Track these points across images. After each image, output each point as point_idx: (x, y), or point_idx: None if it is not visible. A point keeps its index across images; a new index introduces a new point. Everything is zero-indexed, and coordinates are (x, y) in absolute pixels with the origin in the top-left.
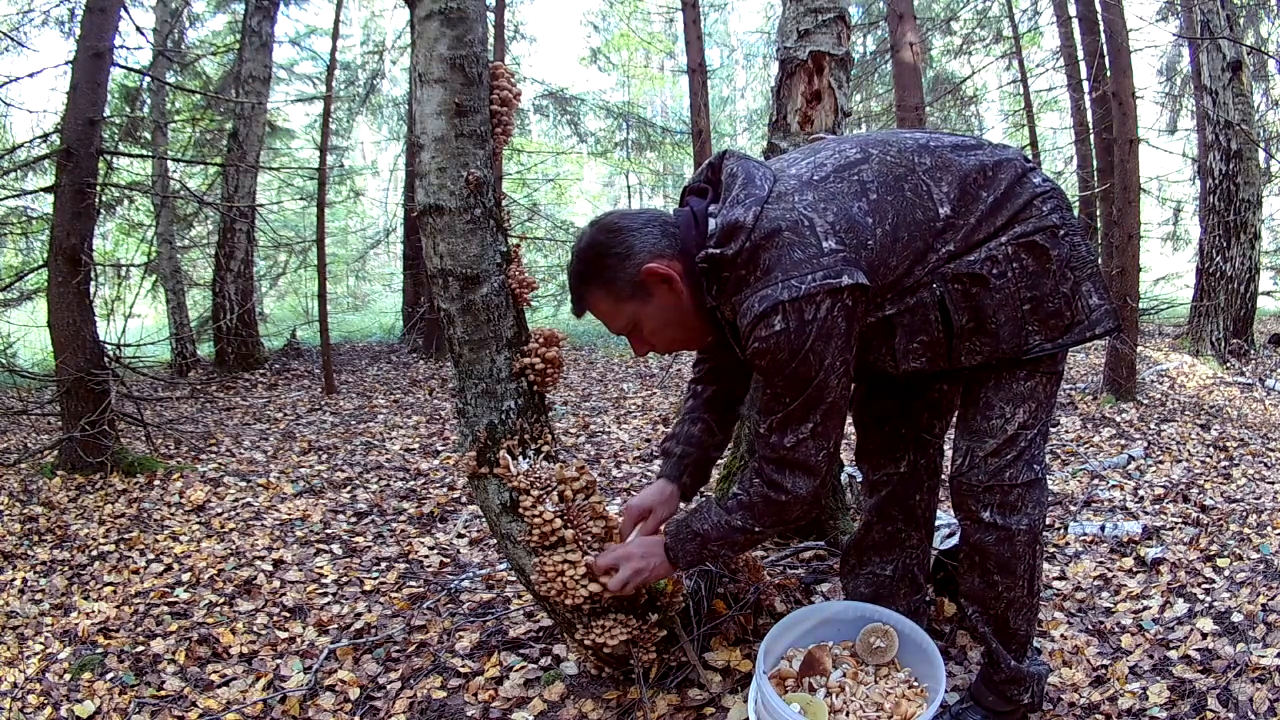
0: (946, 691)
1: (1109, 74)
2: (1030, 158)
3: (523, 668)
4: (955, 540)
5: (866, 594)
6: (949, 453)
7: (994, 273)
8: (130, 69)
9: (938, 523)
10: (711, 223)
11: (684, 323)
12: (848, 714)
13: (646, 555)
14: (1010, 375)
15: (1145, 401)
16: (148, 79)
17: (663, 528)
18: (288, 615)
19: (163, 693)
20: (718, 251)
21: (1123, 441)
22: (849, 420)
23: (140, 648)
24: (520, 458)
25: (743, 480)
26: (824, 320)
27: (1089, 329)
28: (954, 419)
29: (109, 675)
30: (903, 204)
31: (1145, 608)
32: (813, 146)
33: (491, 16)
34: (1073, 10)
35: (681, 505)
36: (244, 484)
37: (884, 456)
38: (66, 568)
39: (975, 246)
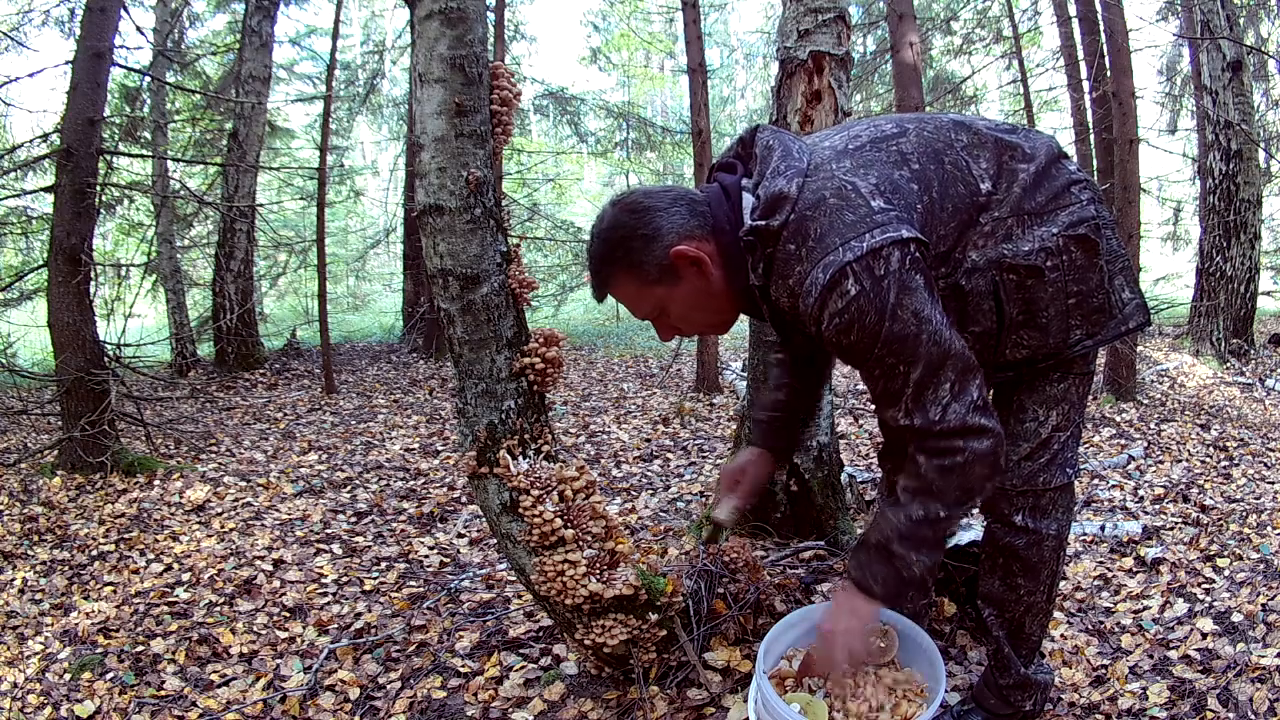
0: (946, 691)
1: (1109, 74)
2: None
3: (523, 668)
4: (954, 540)
5: None
6: None
7: (1048, 264)
8: (130, 69)
9: None
10: (747, 198)
11: (714, 306)
12: (848, 714)
13: (847, 611)
14: (1044, 378)
15: (1145, 401)
16: (148, 79)
17: (836, 587)
18: (288, 615)
19: (163, 693)
20: (764, 224)
21: (1123, 441)
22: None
23: (140, 648)
24: (520, 457)
25: (908, 471)
26: (898, 272)
27: (1123, 323)
28: None
29: (109, 675)
30: (944, 176)
31: (1145, 608)
32: (845, 124)
33: (491, 16)
34: (1073, 10)
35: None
36: (244, 484)
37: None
38: (66, 567)
39: (1023, 226)
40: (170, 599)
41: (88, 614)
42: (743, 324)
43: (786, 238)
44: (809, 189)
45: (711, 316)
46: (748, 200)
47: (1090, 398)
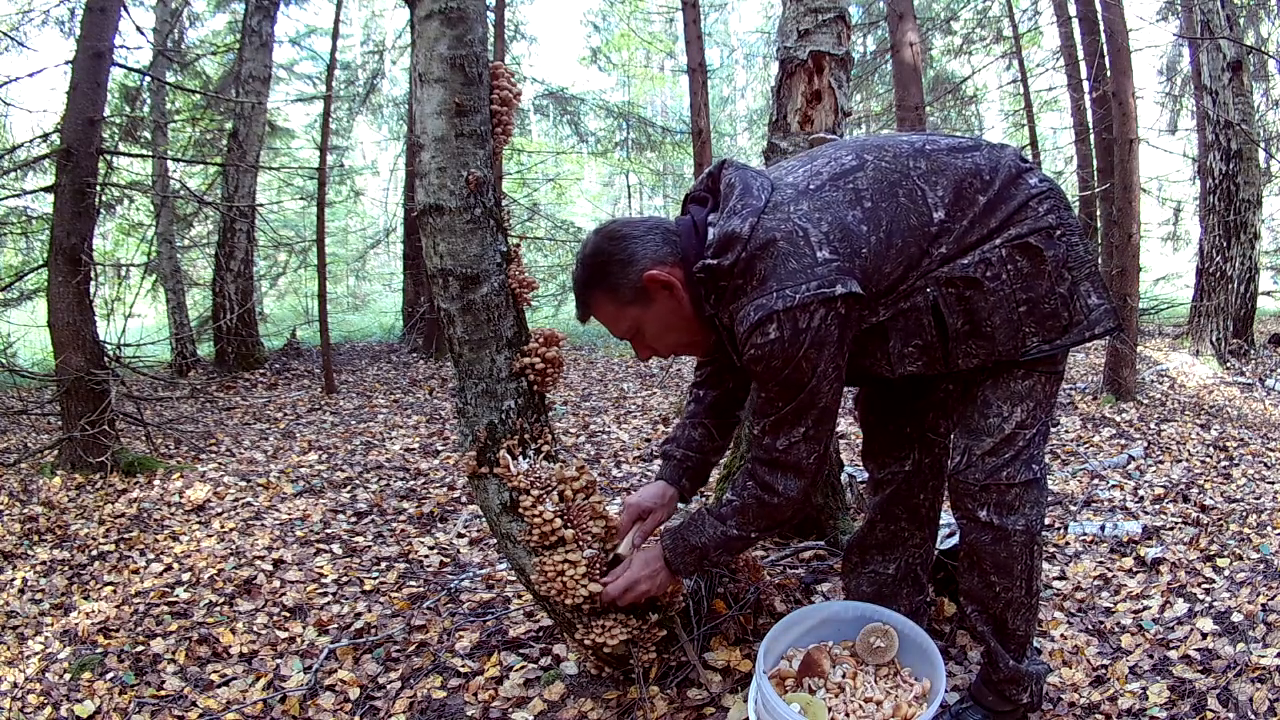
0: (946, 691)
1: (1109, 74)
2: (1028, 158)
3: (523, 668)
4: (956, 540)
5: (869, 593)
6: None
7: (988, 275)
8: (130, 69)
9: (939, 522)
10: (710, 232)
11: (685, 328)
12: (848, 714)
13: (652, 574)
14: (1008, 374)
15: (1145, 401)
16: (148, 79)
17: (659, 537)
18: (288, 615)
19: (163, 693)
20: (714, 262)
21: (1123, 441)
22: (856, 420)
23: (140, 648)
24: (520, 457)
25: (735, 484)
26: (817, 329)
27: (1088, 329)
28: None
29: (109, 675)
30: (897, 210)
31: (1145, 608)
32: (811, 153)
33: (491, 16)
34: (1073, 10)
35: (680, 506)
36: (244, 484)
37: (889, 455)
38: (66, 567)
39: (969, 249)
40: (170, 599)
41: (88, 614)
42: None
43: (735, 274)
44: (762, 227)
45: (683, 337)
46: (711, 234)
47: (1090, 398)
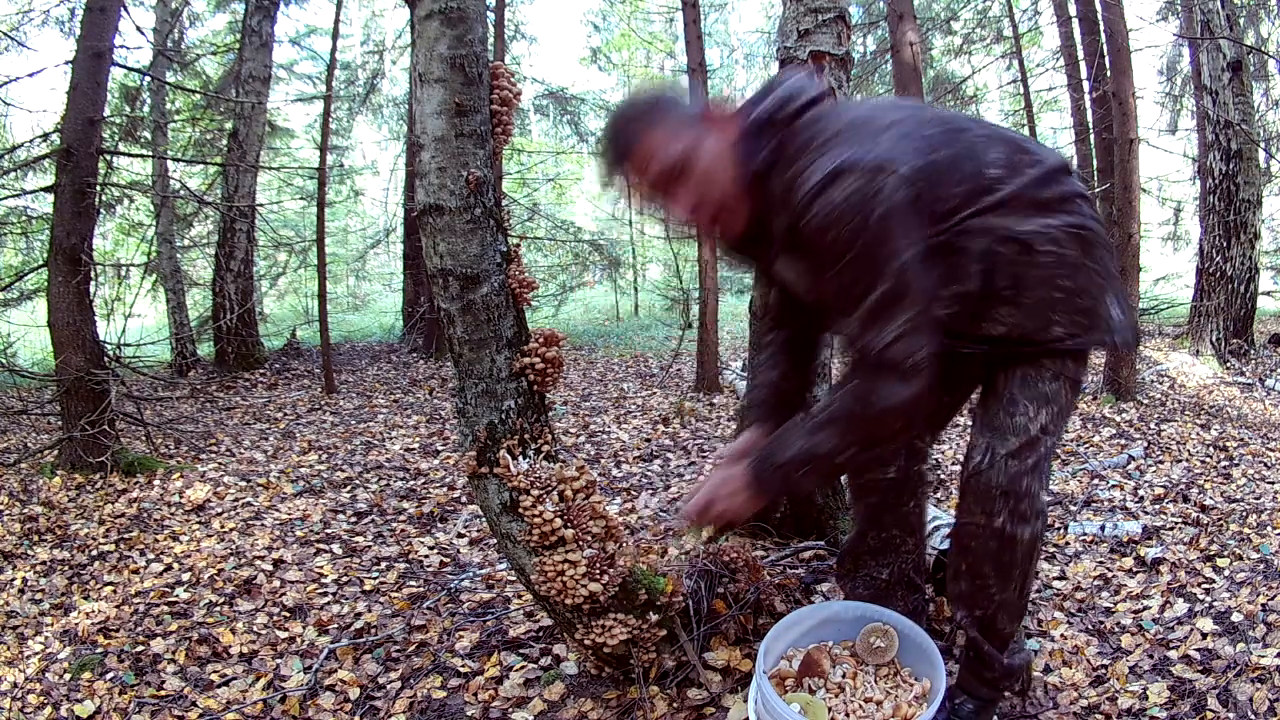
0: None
1: (1109, 74)
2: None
3: (523, 668)
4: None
5: (865, 596)
6: (961, 451)
7: (1043, 249)
8: (130, 69)
9: (938, 522)
10: (771, 95)
11: (727, 179)
12: (848, 714)
13: (731, 492)
14: (1036, 373)
15: (1145, 401)
16: (148, 79)
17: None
18: (288, 615)
19: (163, 693)
20: (780, 109)
21: (1123, 441)
22: None
23: (140, 647)
24: (520, 457)
25: (831, 391)
26: (890, 196)
27: (1109, 334)
28: (944, 430)
29: (109, 675)
30: (958, 149)
31: (1145, 608)
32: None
33: (491, 16)
34: (1073, 10)
35: None
36: (244, 484)
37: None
38: (66, 567)
39: (1025, 214)
40: (170, 599)
41: (88, 614)
42: (742, 323)
43: (801, 126)
44: (833, 100)
45: (721, 193)
46: (774, 95)
47: (1090, 398)
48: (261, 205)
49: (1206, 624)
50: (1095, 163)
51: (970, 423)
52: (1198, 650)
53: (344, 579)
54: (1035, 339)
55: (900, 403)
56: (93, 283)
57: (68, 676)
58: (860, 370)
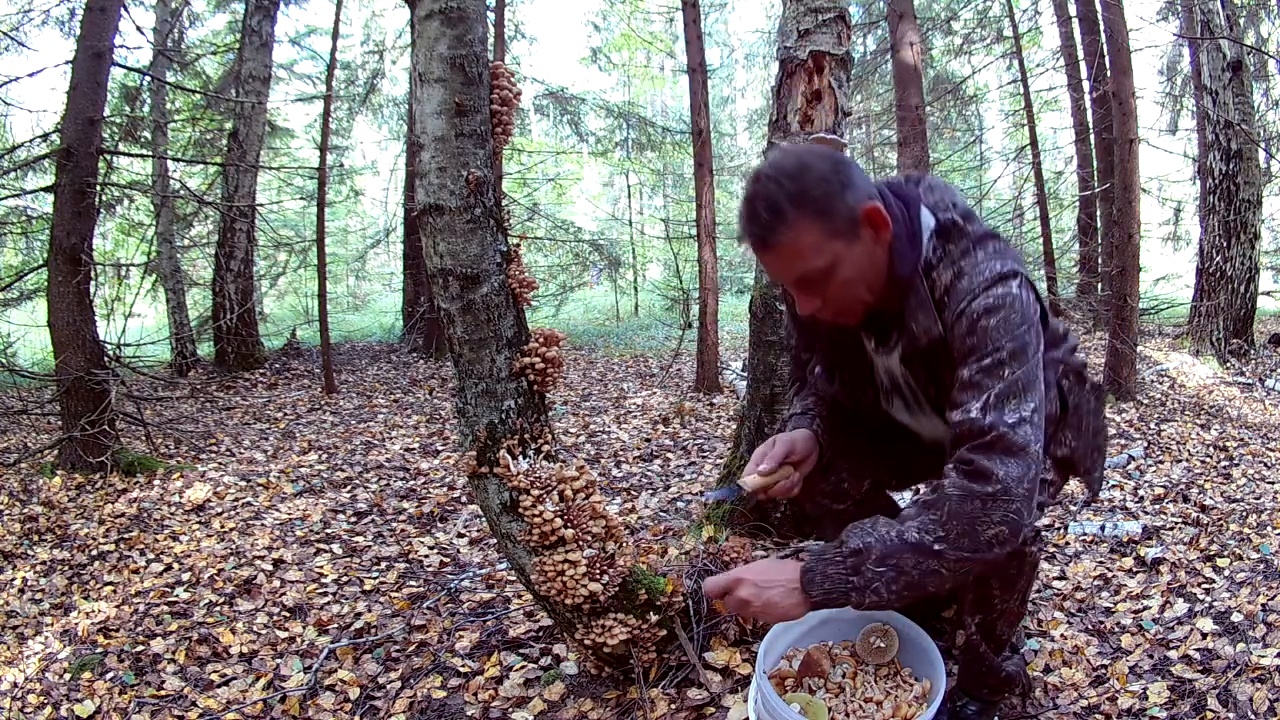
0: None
1: (1109, 74)
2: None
3: (523, 667)
4: None
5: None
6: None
7: (1086, 385)
8: (130, 69)
9: None
10: (925, 210)
11: (875, 280)
12: (848, 714)
13: (766, 582)
14: None
15: (1145, 401)
16: (148, 79)
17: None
18: (288, 615)
19: (163, 692)
20: (958, 220)
21: (1123, 441)
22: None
23: (140, 647)
24: (520, 457)
25: (931, 486)
26: (1029, 305)
27: (1092, 480)
28: (912, 487)
29: (109, 675)
30: None
31: (1145, 608)
32: None
33: (491, 16)
34: (1073, 10)
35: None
36: (244, 484)
37: (836, 489)
38: (66, 567)
39: (1057, 342)
40: (170, 599)
41: (88, 614)
42: (742, 323)
43: (970, 238)
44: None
45: (863, 293)
46: (926, 213)
47: None
48: (261, 205)
49: (1206, 624)
50: (1095, 163)
51: None
52: (1198, 650)
53: (344, 579)
54: (1076, 467)
55: (1017, 486)
56: (93, 282)
57: (68, 676)
58: (974, 452)
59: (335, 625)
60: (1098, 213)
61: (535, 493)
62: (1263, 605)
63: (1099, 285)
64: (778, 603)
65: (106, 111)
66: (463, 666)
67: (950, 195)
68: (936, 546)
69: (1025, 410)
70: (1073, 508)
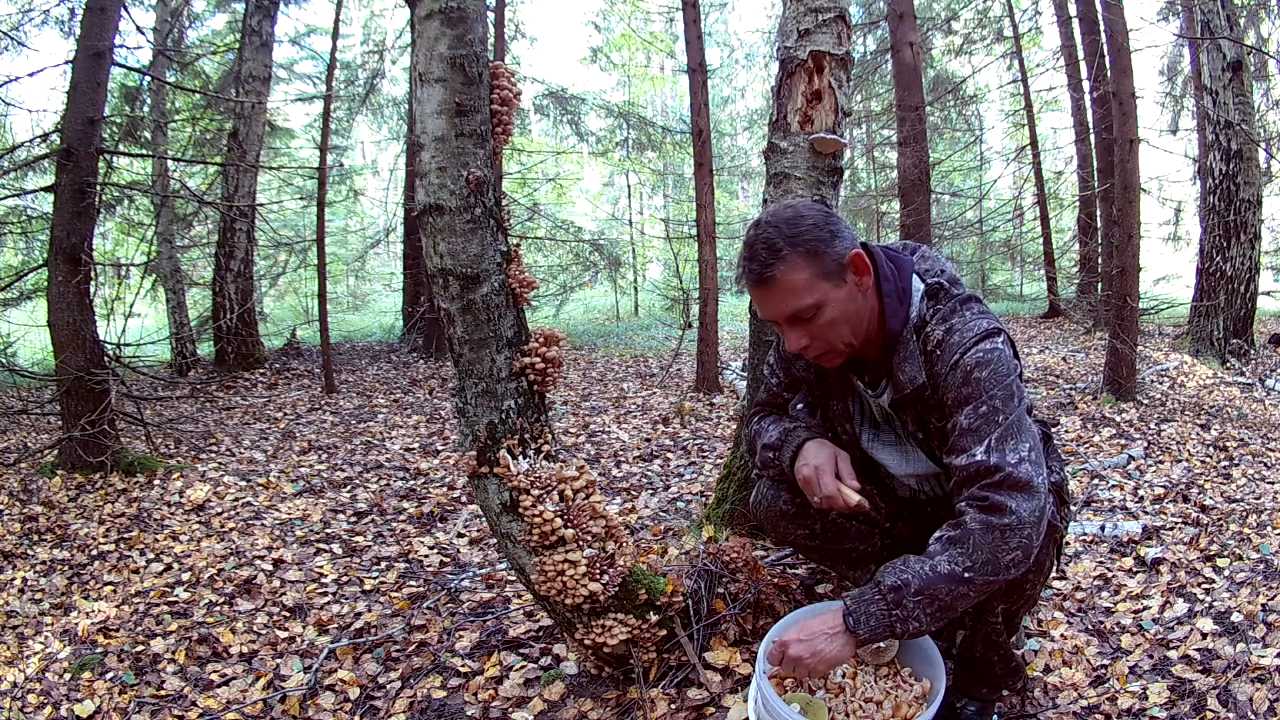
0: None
1: (1109, 74)
2: None
3: (523, 667)
4: None
5: None
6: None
7: (1050, 428)
8: (130, 69)
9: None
10: (914, 275)
11: (859, 323)
12: (848, 714)
13: (811, 635)
14: None
15: (1145, 401)
16: (148, 79)
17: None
18: (288, 615)
19: (163, 692)
20: (947, 280)
21: (1123, 441)
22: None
23: (140, 647)
24: (520, 457)
25: (950, 524)
26: (1013, 362)
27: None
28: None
29: (109, 675)
30: None
31: (1145, 608)
32: None
33: (492, 16)
34: (1073, 10)
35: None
36: (244, 483)
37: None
38: (66, 567)
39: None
40: (170, 599)
41: (88, 614)
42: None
43: (957, 299)
44: None
45: (847, 334)
46: (916, 279)
47: (1090, 398)
48: (261, 205)
49: (1206, 624)
50: (1095, 163)
51: None
52: (1198, 650)
53: (344, 579)
54: (1066, 490)
55: (1029, 516)
56: (93, 282)
57: (68, 676)
58: (987, 490)
59: (335, 625)
60: (1098, 213)
61: (535, 493)
62: (1263, 605)
63: (1099, 285)
64: (826, 650)
65: (106, 111)
66: (463, 666)
67: (939, 263)
68: (966, 575)
69: (1023, 450)
70: (1073, 508)
